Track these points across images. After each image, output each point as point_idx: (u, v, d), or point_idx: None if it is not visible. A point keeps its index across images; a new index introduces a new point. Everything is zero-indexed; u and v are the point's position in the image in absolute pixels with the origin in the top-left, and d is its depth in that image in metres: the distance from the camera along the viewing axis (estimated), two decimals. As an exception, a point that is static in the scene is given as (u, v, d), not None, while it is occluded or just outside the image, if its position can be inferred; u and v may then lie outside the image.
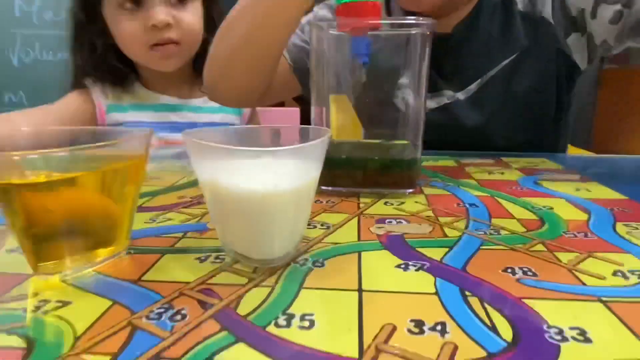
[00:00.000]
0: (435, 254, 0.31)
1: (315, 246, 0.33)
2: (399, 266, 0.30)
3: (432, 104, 0.72)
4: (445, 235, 0.35)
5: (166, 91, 0.85)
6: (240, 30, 0.58)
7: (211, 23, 0.81)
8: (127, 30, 0.76)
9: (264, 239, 0.28)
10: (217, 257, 0.31)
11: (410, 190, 0.45)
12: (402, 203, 0.43)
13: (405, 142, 0.49)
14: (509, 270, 0.29)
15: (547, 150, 0.73)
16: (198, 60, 0.82)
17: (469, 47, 0.69)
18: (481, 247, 0.33)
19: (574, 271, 0.29)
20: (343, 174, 0.46)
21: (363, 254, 0.32)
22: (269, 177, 0.26)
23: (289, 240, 0.29)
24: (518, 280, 0.28)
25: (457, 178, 0.53)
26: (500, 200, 0.44)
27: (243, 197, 0.26)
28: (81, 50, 0.81)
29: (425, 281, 0.28)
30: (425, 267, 0.29)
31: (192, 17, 0.79)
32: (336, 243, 0.33)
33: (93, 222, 0.29)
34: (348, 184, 0.46)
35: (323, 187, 0.46)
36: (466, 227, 0.37)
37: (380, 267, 0.30)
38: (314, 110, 0.48)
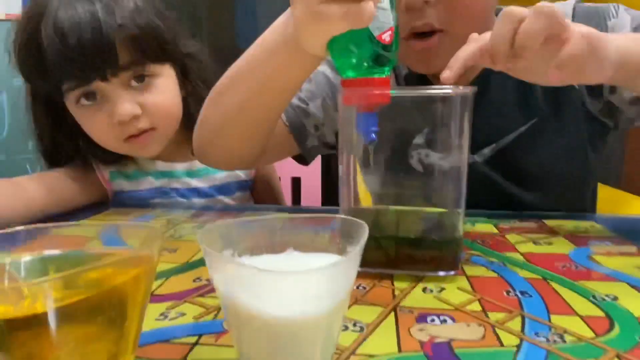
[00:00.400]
0: (493, 375, 0.26)
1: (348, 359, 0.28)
2: (451, 397, 0.25)
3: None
4: (501, 343, 0.30)
5: (160, 157, 0.76)
6: (235, 95, 0.53)
7: (189, 84, 0.72)
8: (93, 128, 0.67)
9: (289, 367, 0.23)
10: (235, 378, 0.26)
11: (452, 273, 0.40)
12: (443, 289, 0.38)
13: (443, 210, 0.45)
14: (588, 405, 0.24)
15: (580, 208, 0.68)
16: (187, 119, 0.72)
17: (479, 111, 0.64)
18: (547, 364, 0.28)
19: (670, 408, 0.24)
20: (373, 253, 0.42)
21: (406, 373, 0.27)
22: (295, 301, 0.21)
23: (319, 365, 0.25)
24: None
25: (500, 251, 0.47)
26: (555, 285, 0.39)
27: (264, 321, 0.22)
28: (58, 154, 0.73)
29: None
30: (484, 398, 0.24)
31: (161, 96, 0.67)
32: (372, 356, 0.29)
33: (93, 343, 0.25)
34: (380, 264, 0.41)
35: (352, 267, 0.42)
36: (523, 329, 0.32)
37: (429, 397, 0.25)
38: (341, 168, 0.43)
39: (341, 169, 0.43)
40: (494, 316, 0.33)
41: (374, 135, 0.41)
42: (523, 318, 0.33)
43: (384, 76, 0.41)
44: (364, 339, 0.30)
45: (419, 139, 0.48)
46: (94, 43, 0.60)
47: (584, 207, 0.70)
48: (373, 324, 0.33)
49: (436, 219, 0.44)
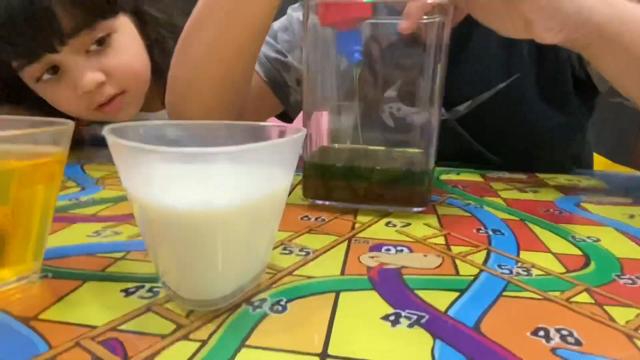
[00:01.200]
0: (440, 300, 0.23)
1: (282, 280, 0.25)
2: (386, 317, 0.22)
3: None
4: (457, 273, 0.27)
5: None
6: (201, 42, 0.49)
7: (150, 31, 0.64)
8: (59, 102, 0.60)
9: (196, 273, 0.20)
10: (150, 290, 0.24)
11: (419, 209, 0.37)
12: (408, 225, 0.35)
13: (417, 150, 0.41)
14: (541, 332, 0.21)
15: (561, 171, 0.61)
16: (153, 69, 0.65)
17: (458, 63, 0.58)
18: (504, 294, 0.24)
19: (635, 339, 0.20)
20: (339, 186, 0.38)
21: (342, 295, 0.24)
22: (198, 190, 0.18)
23: (236, 276, 0.22)
24: (553, 350, 0.19)
25: (480, 196, 0.44)
26: (532, 226, 0.35)
27: (164, 216, 0.19)
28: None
29: (419, 345, 0.20)
30: (422, 320, 0.21)
31: (124, 56, 0.60)
32: (310, 277, 0.26)
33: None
34: (345, 198, 0.38)
35: (316, 201, 0.39)
36: (485, 262, 0.28)
37: (361, 317, 0.22)
38: (303, 118, 0.40)
39: (306, 104, 0.40)
40: (457, 249, 0.30)
41: (357, 54, 0.37)
42: (488, 252, 0.30)
43: None
44: (306, 263, 0.28)
45: (392, 92, 0.45)
46: (28, 15, 0.51)
47: (571, 165, 0.66)
48: (321, 250, 0.30)
49: (408, 158, 0.41)
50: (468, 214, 0.38)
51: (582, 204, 0.42)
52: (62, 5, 0.53)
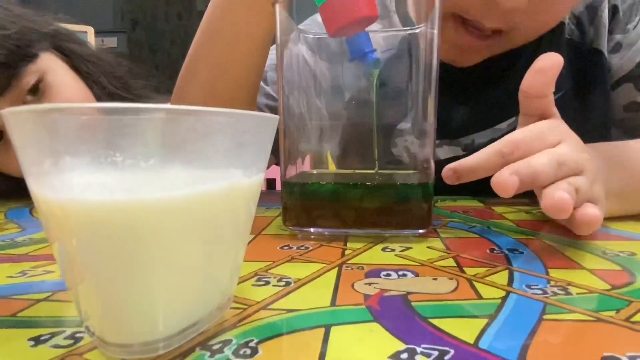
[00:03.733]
0: (464, 330, 0.17)
1: (253, 316, 0.19)
2: (396, 356, 0.16)
3: (448, 152, 0.55)
4: (479, 296, 0.21)
5: None
6: (207, 63, 0.48)
7: (80, 68, 0.57)
8: (12, 166, 0.53)
9: (125, 303, 0.14)
10: (71, 337, 0.17)
11: (421, 231, 0.32)
12: (408, 249, 0.29)
13: (411, 171, 0.37)
14: (612, 363, 0.15)
15: None
16: None
17: (502, 81, 0.54)
18: (544, 317, 0.19)
19: None
20: (326, 211, 0.33)
21: (334, 329, 0.18)
22: (117, 176, 0.13)
23: (185, 308, 0.16)
24: (641, 388, 0.14)
25: (485, 219, 0.39)
26: (553, 243, 0.30)
27: (73, 217, 0.13)
28: None
29: (448, 390, 0.14)
30: (447, 357, 0.15)
31: (64, 94, 0.53)
32: (291, 310, 0.20)
33: None
34: (333, 223, 0.33)
35: (296, 229, 0.33)
36: (510, 283, 0.23)
37: (362, 357, 0.16)
38: (283, 166, 0.35)
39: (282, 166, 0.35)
40: (472, 271, 0.25)
41: (372, 54, 0.33)
42: (511, 272, 0.24)
43: None
44: (286, 294, 0.21)
45: (406, 123, 0.41)
46: None
47: None
48: (305, 279, 0.24)
49: (404, 175, 0.36)
50: (476, 235, 0.33)
51: (604, 223, 0.37)
52: None
